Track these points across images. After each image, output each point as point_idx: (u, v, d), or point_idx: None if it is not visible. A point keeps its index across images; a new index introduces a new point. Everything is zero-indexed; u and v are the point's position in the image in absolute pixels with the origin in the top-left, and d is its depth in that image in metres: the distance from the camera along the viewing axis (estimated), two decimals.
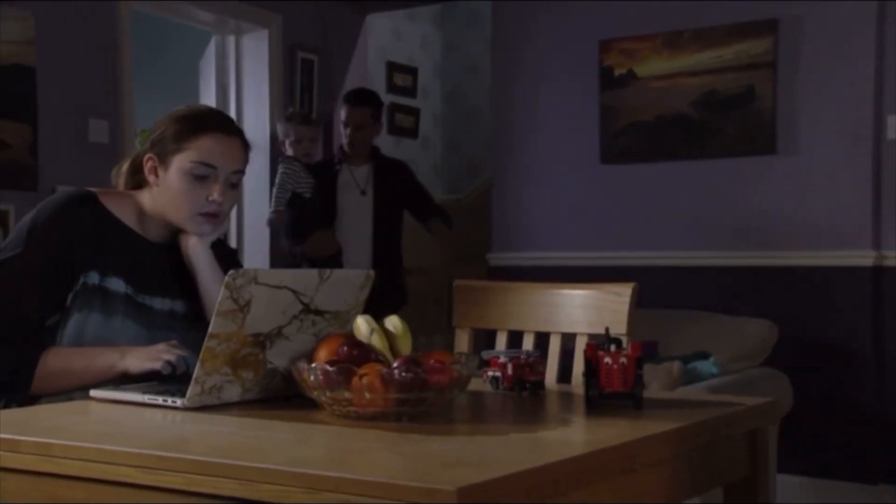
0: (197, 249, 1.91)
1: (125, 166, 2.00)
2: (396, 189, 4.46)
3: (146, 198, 1.94)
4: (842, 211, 3.90)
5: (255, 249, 4.97)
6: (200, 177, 1.88)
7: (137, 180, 1.97)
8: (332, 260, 4.22)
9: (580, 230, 4.43)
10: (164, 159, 1.90)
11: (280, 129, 4.36)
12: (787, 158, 3.99)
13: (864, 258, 3.84)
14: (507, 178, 4.64)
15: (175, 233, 1.95)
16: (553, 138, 4.52)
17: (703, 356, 3.55)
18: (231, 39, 5.03)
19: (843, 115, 3.90)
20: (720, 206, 4.14)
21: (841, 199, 3.90)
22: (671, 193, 4.24)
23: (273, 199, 4.24)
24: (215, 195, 1.88)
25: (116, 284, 1.86)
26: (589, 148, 4.40)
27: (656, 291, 4.17)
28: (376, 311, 1.70)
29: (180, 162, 1.88)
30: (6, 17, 3.75)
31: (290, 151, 4.25)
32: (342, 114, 4.42)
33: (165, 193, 1.89)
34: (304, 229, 4.26)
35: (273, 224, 4.33)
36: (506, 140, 4.65)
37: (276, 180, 4.24)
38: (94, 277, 1.83)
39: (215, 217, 1.90)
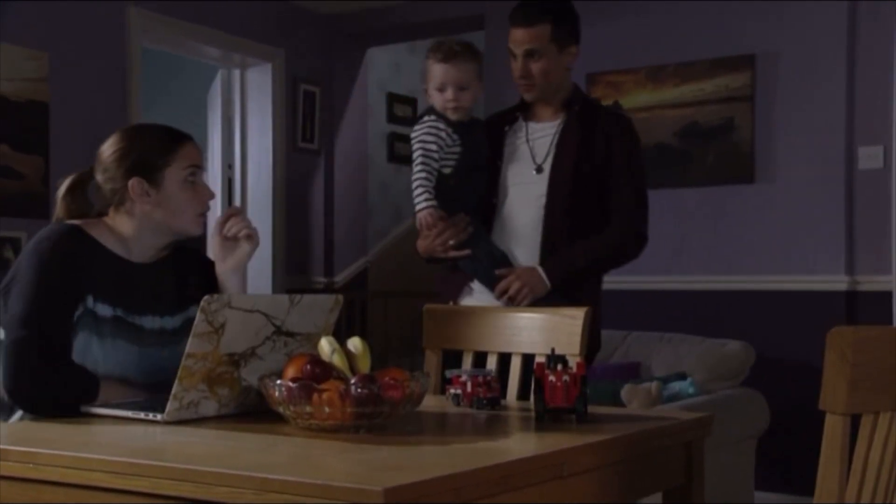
0: (233, 280, 2.09)
1: (62, 193, 2.07)
2: (598, 164, 2.64)
3: (124, 222, 2.01)
4: (816, 238, 4.03)
5: (258, 275, 5.11)
6: (194, 181, 2.02)
7: (82, 206, 2.05)
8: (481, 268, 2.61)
9: None
10: (153, 177, 1.99)
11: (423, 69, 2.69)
12: (764, 187, 4.14)
13: (838, 283, 3.98)
14: None
15: (159, 251, 2.06)
16: None
17: (682, 377, 3.69)
18: (236, 73, 5.22)
19: (817, 146, 4.05)
20: (700, 231, 4.28)
21: (815, 227, 4.04)
22: (654, 219, 4.36)
23: (414, 185, 2.58)
24: (209, 194, 2.06)
25: (104, 309, 1.97)
26: None
27: (639, 314, 4.32)
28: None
29: (174, 173, 2.00)
30: (22, 57, 3.95)
31: (433, 102, 2.62)
32: (510, 37, 2.69)
33: (165, 207, 2.00)
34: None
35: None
36: None
37: (414, 150, 2.60)
38: (90, 302, 1.95)
39: (205, 214, 2.07)
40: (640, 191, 2.69)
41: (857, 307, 3.97)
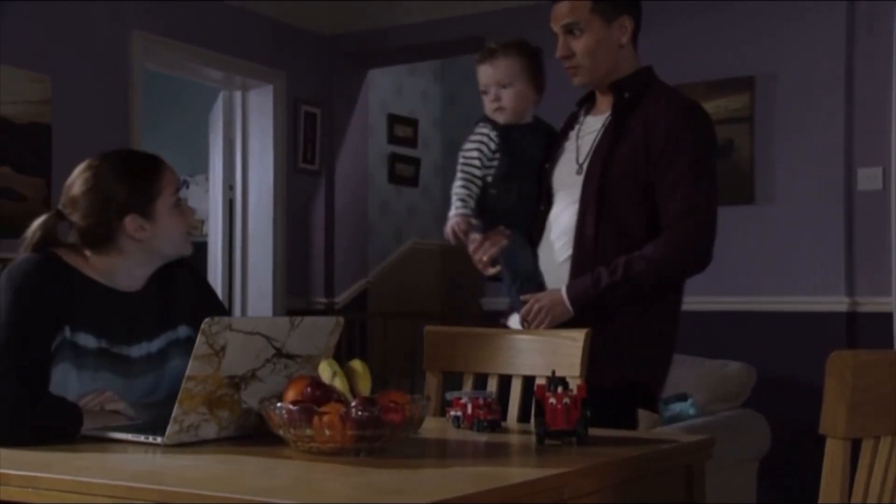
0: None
1: (36, 237, 1.98)
2: (639, 161, 2.24)
3: (110, 259, 1.98)
4: (816, 259, 4.04)
5: (259, 296, 5.11)
6: (180, 203, 2.04)
7: (53, 244, 1.97)
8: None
9: None
10: (146, 210, 1.97)
11: None
12: (763, 207, 4.16)
13: (838, 304, 3.98)
14: None
15: (147, 278, 2.03)
16: None
17: (683, 398, 3.68)
18: (238, 95, 5.24)
19: (817, 167, 4.06)
20: None
21: (816, 248, 4.05)
22: None
23: (452, 195, 2.43)
24: (192, 210, 2.09)
25: (86, 340, 1.91)
26: None
27: None
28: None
29: (164, 202, 1.99)
30: (24, 80, 3.96)
31: (485, 108, 2.45)
32: (550, 16, 2.36)
33: (161, 236, 1.99)
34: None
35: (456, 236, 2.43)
36: None
37: (458, 161, 2.44)
38: (67, 332, 1.89)
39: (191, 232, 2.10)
40: (698, 194, 2.25)
41: (857, 328, 3.98)
